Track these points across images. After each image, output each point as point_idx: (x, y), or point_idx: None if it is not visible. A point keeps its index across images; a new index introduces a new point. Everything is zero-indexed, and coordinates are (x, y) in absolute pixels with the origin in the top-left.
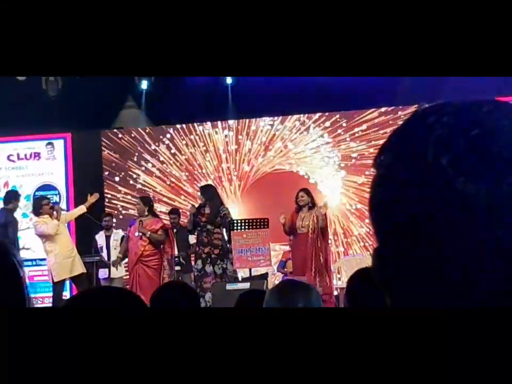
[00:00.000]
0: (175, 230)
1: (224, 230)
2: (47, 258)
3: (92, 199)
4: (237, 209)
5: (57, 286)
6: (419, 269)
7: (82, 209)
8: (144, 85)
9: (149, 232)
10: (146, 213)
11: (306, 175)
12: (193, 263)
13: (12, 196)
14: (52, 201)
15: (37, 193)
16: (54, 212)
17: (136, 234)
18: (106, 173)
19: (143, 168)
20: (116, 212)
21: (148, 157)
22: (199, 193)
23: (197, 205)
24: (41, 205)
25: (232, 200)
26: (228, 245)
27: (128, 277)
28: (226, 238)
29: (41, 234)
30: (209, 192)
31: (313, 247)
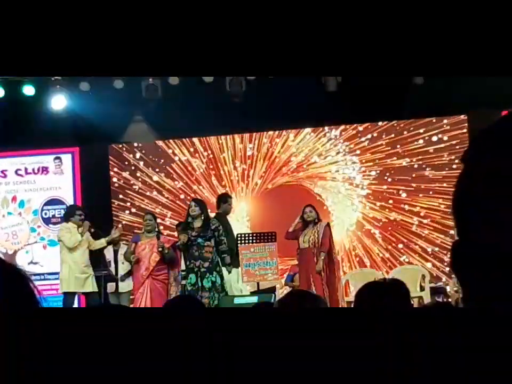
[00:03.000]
0: None
1: (214, 242)
2: (61, 267)
3: (115, 234)
4: (246, 221)
5: (68, 300)
6: (498, 262)
7: (102, 243)
8: (152, 98)
9: (167, 248)
10: (156, 229)
11: (316, 189)
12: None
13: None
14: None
15: (44, 207)
16: (82, 226)
17: (148, 250)
18: (114, 187)
19: (151, 182)
20: (124, 226)
21: (156, 171)
22: (192, 205)
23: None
24: (74, 213)
25: (241, 211)
26: (219, 258)
27: (135, 291)
28: (216, 250)
29: (61, 240)
30: (202, 206)
31: (315, 262)
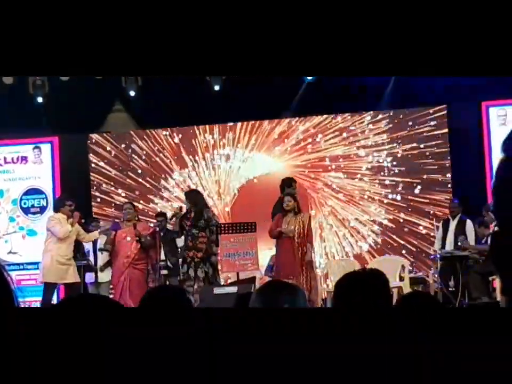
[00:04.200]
0: (162, 234)
1: (208, 232)
2: (43, 256)
3: (107, 224)
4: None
5: (48, 290)
6: None
7: (95, 235)
8: (131, 88)
9: (144, 237)
10: (136, 218)
11: (305, 182)
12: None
13: None
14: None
15: (24, 197)
16: (72, 217)
17: (129, 238)
18: (93, 176)
19: (130, 172)
20: (103, 216)
21: (135, 161)
22: (185, 199)
23: (183, 209)
24: (64, 204)
25: (223, 203)
26: (212, 249)
27: (115, 279)
28: (211, 240)
29: (51, 231)
30: (194, 197)
31: (298, 252)
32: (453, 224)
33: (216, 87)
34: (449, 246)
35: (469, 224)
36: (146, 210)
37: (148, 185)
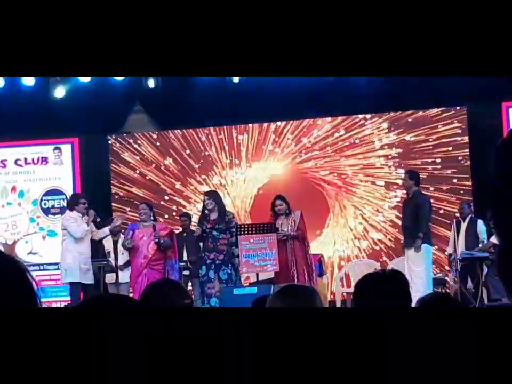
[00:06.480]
0: (184, 234)
1: (229, 235)
2: (64, 255)
3: (117, 221)
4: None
5: (75, 289)
6: None
7: (105, 232)
8: (151, 86)
9: (163, 238)
10: (152, 218)
11: (323, 183)
12: None
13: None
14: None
15: (44, 198)
16: (86, 216)
17: (145, 239)
18: (114, 177)
19: (150, 173)
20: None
21: (155, 161)
22: (205, 199)
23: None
24: (78, 202)
25: (241, 204)
26: (233, 250)
27: (133, 279)
28: (231, 242)
29: (68, 230)
30: (216, 198)
31: (294, 253)
32: (463, 226)
33: (235, 80)
34: (461, 247)
35: (480, 224)
36: (168, 210)
37: (168, 185)
